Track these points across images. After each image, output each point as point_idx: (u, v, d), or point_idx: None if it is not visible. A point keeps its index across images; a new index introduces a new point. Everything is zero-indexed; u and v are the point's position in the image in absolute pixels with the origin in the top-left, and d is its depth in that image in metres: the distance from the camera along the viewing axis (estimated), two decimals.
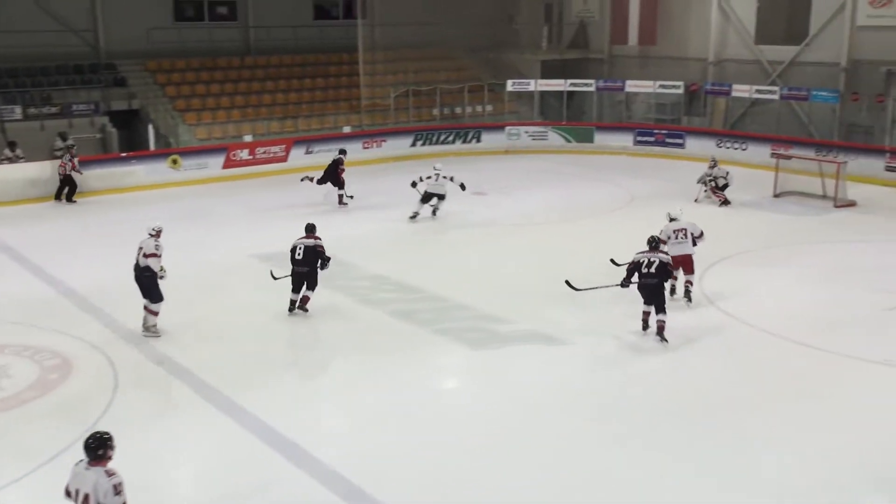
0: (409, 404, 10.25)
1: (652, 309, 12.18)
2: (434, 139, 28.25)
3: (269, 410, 9.97)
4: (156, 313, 12.27)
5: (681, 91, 28.48)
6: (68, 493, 6.38)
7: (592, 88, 29.80)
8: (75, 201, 21.60)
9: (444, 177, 19.18)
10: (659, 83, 28.65)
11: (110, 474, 6.24)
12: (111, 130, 24.75)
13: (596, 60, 32.44)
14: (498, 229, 18.66)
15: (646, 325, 12.35)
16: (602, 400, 10.33)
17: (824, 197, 20.71)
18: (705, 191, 20.76)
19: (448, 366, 11.79)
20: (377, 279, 15.00)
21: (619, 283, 12.38)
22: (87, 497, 6.21)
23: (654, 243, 12.52)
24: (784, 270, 15.41)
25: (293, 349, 12.10)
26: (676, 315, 13.20)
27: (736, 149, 26.13)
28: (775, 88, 26.56)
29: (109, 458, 6.36)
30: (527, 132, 29.05)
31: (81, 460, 6.36)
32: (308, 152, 25.88)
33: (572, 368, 11.24)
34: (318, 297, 13.37)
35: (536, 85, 30.10)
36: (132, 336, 12.29)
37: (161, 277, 12.24)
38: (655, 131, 28.23)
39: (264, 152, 25.28)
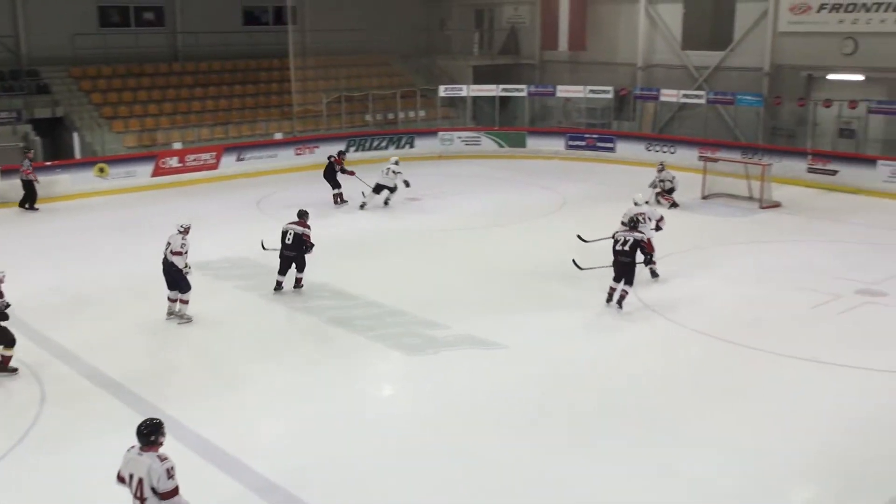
0: (346, 411, 10.21)
1: (620, 284, 13.34)
2: (367, 145, 28.20)
3: (202, 421, 9.83)
4: (187, 302, 13.15)
5: (610, 96, 28.93)
6: (121, 479, 6.66)
7: (524, 93, 30.09)
8: (37, 209, 21.22)
9: (395, 171, 20.77)
10: (589, 88, 29.05)
11: (163, 459, 6.51)
12: (35, 139, 24.15)
13: (527, 66, 32.77)
14: (433, 235, 18.71)
15: (609, 299, 13.50)
16: (536, 404, 10.42)
17: (750, 198, 21.23)
18: (657, 193, 21.07)
19: (385, 372, 11.77)
20: (314, 287, 14.89)
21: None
22: (140, 481, 6.48)
23: (633, 223, 13.79)
24: (712, 271, 15.74)
25: (226, 358, 11.94)
26: (608, 318, 13.42)
27: (665, 152, 26.64)
28: (702, 93, 27.16)
29: (161, 443, 6.62)
30: (460, 137, 29.20)
31: (133, 446, 6.60)
32: (239, 159, 25.64)
33: (507, 372, 11.31)
34: (253, 306, 13.25)
35: (469, 90, 30.28)
36: (59, 350, 12.03)
37: (187, 273, 13.10)
38: (586, 135, 28.61)
39: (194, 160, 24.94)
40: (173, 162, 24.54)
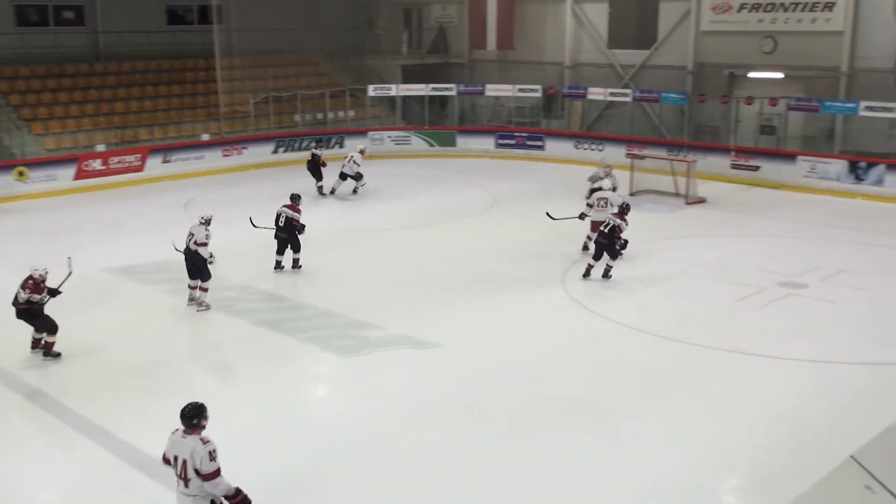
0: (279, 415, 10.11)
1: (598, 262, 14.80)
2: (296, 146, 27.95)
3: (132, 429, 9.63)
4: (206, 290, 13.68)
5: (539, 94, 29.20)
6: (167, 461, 6.91)
7: (453, 93, 30.17)
8: None
9: (356, 162, 22.07)
10: (518, 87, 29.28)
11: (205, 441, 6.74)
12: None
13: (456, 65, 32.87)
14: (364, 235, 18.64)
15: (587, 274, 14.92)
16: (471, 402, 10.45)
17: (676, 194, 21.64)
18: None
19: (317, 375, 11.70)
20: (242, 289, 14.72)
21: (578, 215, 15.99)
22: (184, 463, 6.70)
23: (623, 209, 15.20)
24: (640, 266, 16.00)
25: (153, 366, 11.71)
26: (539, 315, 13.55)
27: (593, 150, 27.00)
28: (628, 91, 27.59)
29: (203, 426, 6.85)
30: (390, 137, 29.15)
31: (178, 429, 6.85)
32: (165, 161, 25.17)
33: (442, 372, 11.33)
34: (181, 310, 13.07)
35: (398, 90, 30.25)
36: None
37: (211, 263, 13.58)
38: (516, 134, 28.83)
39: (118, 162, 24.40)
40: (96, 165, 23.98)
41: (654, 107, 27.59)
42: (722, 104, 25.74)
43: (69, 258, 12.41)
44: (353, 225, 19.49)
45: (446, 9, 33.08)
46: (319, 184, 22.48)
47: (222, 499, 6.86)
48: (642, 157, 22.95)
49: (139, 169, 24.73)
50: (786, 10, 24.78)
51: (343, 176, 22.30)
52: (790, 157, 23.50)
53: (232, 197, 22.71)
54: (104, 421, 9.87)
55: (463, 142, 29.06)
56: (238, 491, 6.89)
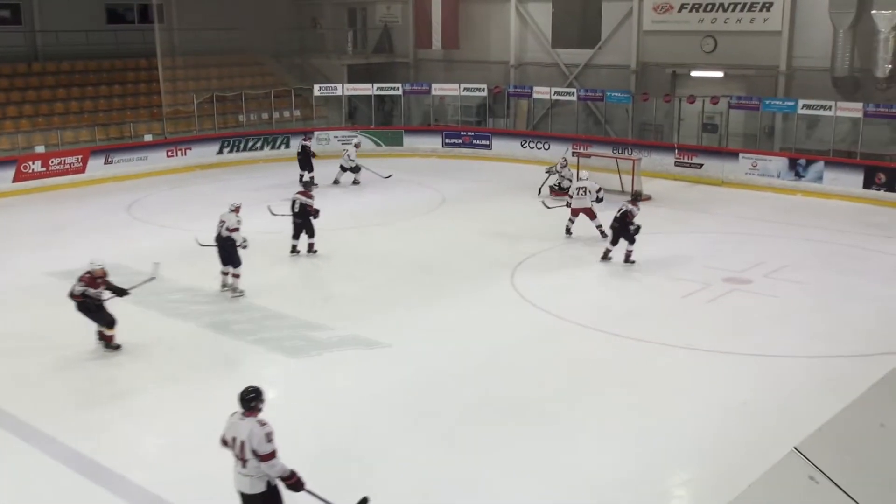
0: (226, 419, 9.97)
1: (615, 247, 15.85)
2: (242, 146, 27.69)
3: (76, 436, 9.46)
4: (238, 276, 14.28)
5: (484, 94, 29.29)
6: (224, 442, 7.21)
7: (399, 92, 30.12)
8: None
9: (350, 157, 23.41)
10: (464, 86, 29.33)
11: (262, 424, 7.02)
12: None
13: (402, 64, 32.83)
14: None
15: (605, 258, 15.98)
16: (420, 403, 10.44)
17: (622, 192, 21.84)
18: (552, 186, 21.58)
19: (267, 377, 11.55)
20: (188, 291, 14.53)
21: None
22: (242, 444, 6.99)
23: (636, 197, 16.54)
24: (587, 263, 16.15)
25: (99, 370, 11.50)
26: (487, 314, 13.59)
27: (539, 148, 27.17)
28: (573, 90, 27.80)
29: (260, 409, 7.15)
30: (336, 137, 28.98)
31: (235, 412, 7.15)
32: (108, 162, 24.73)
33: (392, 372, 11.31)
34: (127, 314, 12.85)
35: (344, 89, 30.11)
36: None
37: (244, 247, 14.24)
38: (462, 133, 28.89)
39: (59, 163, 23.90)
40: (36, 166, 23.46)
41: (598, 105, 27.85)
42: (665, 103, 26.07)
43: (156, 263, 12.62)
44: None
45: (390, 8, 33.01)
46: (311, 174, 23.36)
47: (277, 479, 7.08)
48: (588, 156, 23.17)
49: (80, 170, 24.26)
50: (725, 10, 25.21)
51: (343, 168, 23.56)
52: (732, 154, 23.90)
53: (177, 198, 22.43)
54: (48, 428, 9.66)
55: (410, 141, 29.03)
56: (293, 473, 7.11)
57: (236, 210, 14.41)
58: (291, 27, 33.03)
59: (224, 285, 14.47)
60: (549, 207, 18.65)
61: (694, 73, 26.17)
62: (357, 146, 24.10)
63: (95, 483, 8.57)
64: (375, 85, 29.95)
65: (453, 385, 10.88)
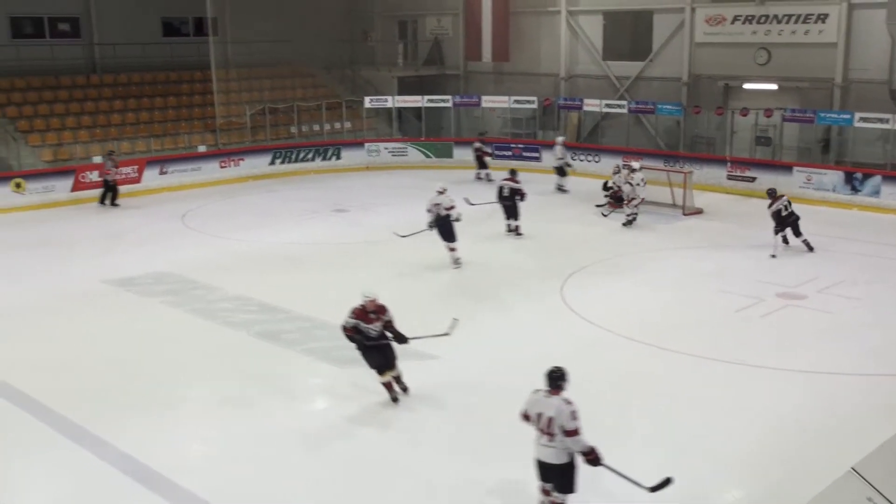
0: (278, 427, 10.07)
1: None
2: (293, 157, 27.98)
3: (130, 441, 9.61)
4: (455, 249, 16.45)
5: (535, 106, 29.24)
6: (526, 417, 7.78)
7: (449, 104, 30.22)
8: (118, 204, 22.73)
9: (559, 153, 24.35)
10: (514, 98, 29.33)
11: (568, 402, 7.54)
12: None
13: (452, 76, 32.92)
14: (361, 246, 18.63)
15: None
16: (472, 414, 10.42)
17: (673, 205, 21.66)
18: (606, 197, 21.48)
19: (316, 386, 11.67)
20: (239, 300, 14.70)
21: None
22: (550, 420, 7.53)
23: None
24: (638, 276, 16.02)
25: (153, 376, 11.68)
26: (537, 323, 13.54)
27: (589, 161, 27.04)
28: (623, 102, 27.64)
29: (564, 388, 7.67)
30: (386, 148, 29.16)
31: (539, 389, 7.71)
32: (162, 172, 25.18)
33: (443, 383, 11.30)
34: (180, 322, 13.07)
35: (394, 101, 30.29)
36: None
37: (458, 220, 16.37)
38: (512, 145, 28.86)
39: (116, 173, 24.34)
40: (93, 176, 23.96)
41: (649, 118, 27.65)
42: (717, 115, 25.81)
43: (455, 320, 11.07)
44: (349, 237, 19.46)
45: (441, 21, 33.15)
46: (486, 171, 25.22)
47: (578, 453, 7.60)
48: (636, 170, 22.94)
49: (136, 180, 24.72)
50: (779, 21, 24.88)
51: (560, 171, 24.30)
52: (786, 167, 23.55)
53: (230, 208, 22.75)
54: (100, 431, 9.84)
55: (460, 153, 29.06)
56: (592, 449, 7.58)
57: (444, 191, 16.60)
58: (343, 40, 33.33)
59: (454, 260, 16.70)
60: (605, 216, 20.04)
61: (747, 86, 25.86)
62: (564, 145, 24.86)
63: (146, 487, 8.69)
64: (426, 97, 30.08)
65: (500, 396, 10.80)
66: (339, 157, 28.55)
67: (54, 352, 12.51)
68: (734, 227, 20.21)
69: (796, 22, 24.57)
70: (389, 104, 30.29)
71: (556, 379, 7.72)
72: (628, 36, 29.13)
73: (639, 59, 28.33)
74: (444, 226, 16.49)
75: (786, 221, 17.29)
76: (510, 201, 18.73)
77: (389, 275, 16.44)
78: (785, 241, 17.63)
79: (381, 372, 10.49)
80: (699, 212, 21.34)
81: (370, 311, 10.26)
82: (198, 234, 19.96)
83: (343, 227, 20.52)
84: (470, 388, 11.10)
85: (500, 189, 18.79)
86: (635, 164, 20.68)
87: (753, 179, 23.82)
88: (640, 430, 9.88)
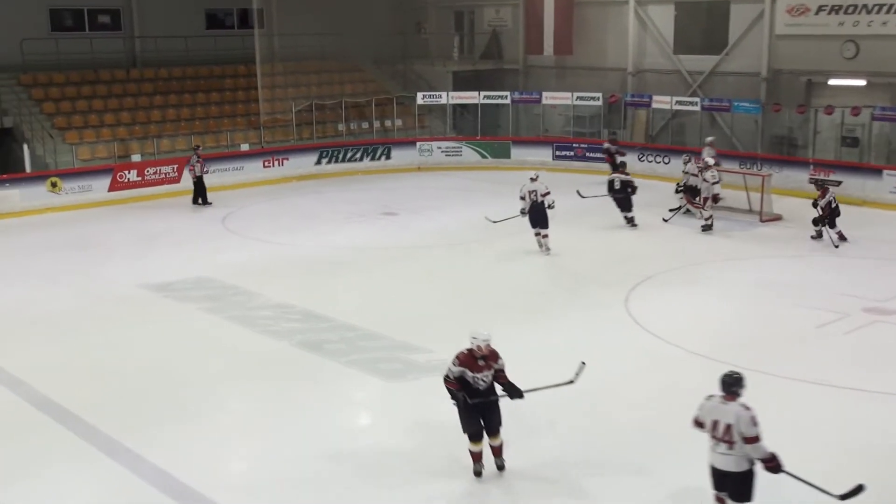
0: (320, 443, 10.10)
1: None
2: (340, 156, 28.17)
3: (163, 454, 9.71)
4: (547, 236, 17.86)
5: (600, 103, 29.05)
6: (699, 424, 7.97)
7: (507, 101, 30.17)
8: (210, 203, 23.17)
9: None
10: (577, 95, 29.18)
11: (747, 408, 7.68)
12: None
13: (511, 71, 32.88)
14: (410, 252, 18.66)
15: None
16: (526, 433, 10.34)
17: (749, 211, 21.32)
18: (680, 197, 21.43)
19: (361, 400, 11.68)
20: (281, 308, 14.81)
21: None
22: (728, 427, 7.69)
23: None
24: (709, 288, 15.78)
25: (189, 386, 11.81)
26: (599, 338, 13.39)
27: (658, 162, 26.77)
28: (696, 99, 27.32)
29: (740, 395, 7.80)
30: (439, 148, 29.21)
31: (713, 395, 7.88)
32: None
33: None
34: (218, 329, 13.18)
35: (448, 97, 30.34)
36: (5, 376, 11.88)
37: (552, 208, 17.89)
38: (575, 145, 28.70)
39: (154, 173, 24.81)
40: (132, 176, 24.40)
41: (724, 116, 27.29)
42: (799, 114, 25.37)
43: (582, 364, 9.70)
44: (398, 242, 19.51)
45: (500, 12, 33.13)
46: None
47: (758, 461, 7.72)
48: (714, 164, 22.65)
49: (176, 180, 25.10)
50: (869, 12, 24.36)
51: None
52: (875, 171, 23.02)
53: (273, 210, 22.96)
54: (133, 443, 9.96)
55: (518, 153, 29.00)
56: (773, 456, 7.70)
57: (537, 178, 17.98)
58: (394, 32, 33.49)
59: (541, 245, 17.93)
60: (583, 197, 20.48)
61: (832, 82, 25.36)
62: (711, 145, 23.15)
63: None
64: (482, 93, 30.06)
65: (557, 415, 10.73)
66: (388, 157, 28.67)
67: (87, 359, 12.72)
68: None
69: (888, 12, 24.01)
70: (443, 100, 30.34)
71: (732, 384, 7.82)
72: (702, 27, 28.80)
73: (713, 52, 27.98)
74: (538, 212, 17.81)
75: (834, 214, 18.64)
76: (622, 193, 20.07)
77: (441, 281, 16.45)
78: (819, 235, 18.80)
79: (476, 439, 9.04)
80: (778, 218, 20.97)
81: (479, 357, 8.88)
82: (239, 237, 20.18)
83: (392, 231, 20.58)
84: (523, 406, 10.98)
85: (611, 182, 20.21)
86: (710, 159, 20.53)
87: (839, 183, 23.27)
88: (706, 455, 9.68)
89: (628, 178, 20.17)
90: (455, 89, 31.19)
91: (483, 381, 8.85)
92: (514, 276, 16.75)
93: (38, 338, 13.64)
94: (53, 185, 23.17)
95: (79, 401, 11.16)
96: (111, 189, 24.06)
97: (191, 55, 29.64)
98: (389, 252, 18.66)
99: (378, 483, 9.22)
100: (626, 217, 20.31)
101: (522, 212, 18.02)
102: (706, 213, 19.80)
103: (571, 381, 9.42)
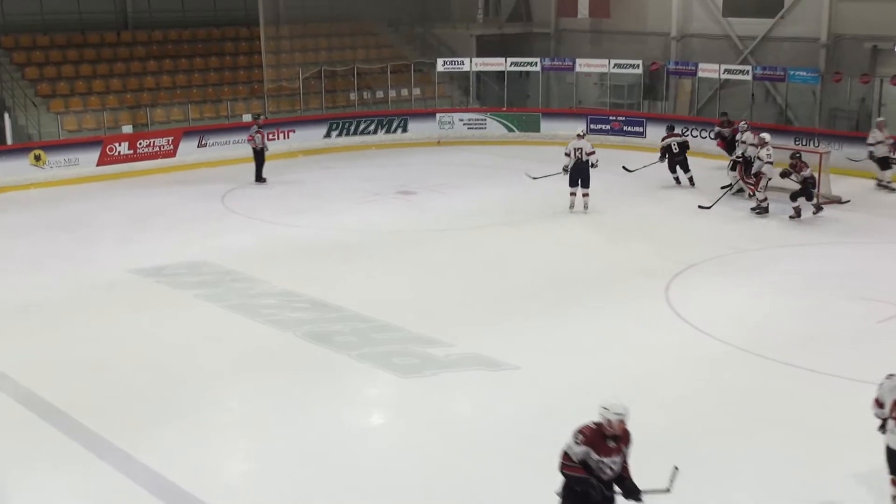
0: (327, 444, 10.16)
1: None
2: (352, 129, 28.21)
3: (156, 455, 9.79)
4: (587, 195, 19.79)
5: (639, 71, 28.91)
6: (880, 405, 8.61)
7: (537, 68, 30.08)
8: (264, 179, 23.50)
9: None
10: (614, 62, 29.04)
11: None
12: None
13: (541, 35, 32.79)
14: (428, 235, 18.70)
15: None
16: (554, 434, 10.35)
17: None
18: (734, 176, 21.26)
19: (373, 397, 11.75)
20: (286, 296, 14.88)
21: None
22: None
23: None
24: (759, 278, 15.73)
25: (184, 381, 11.89)
26: (635, 333, 13.40)
27: (704, 138, 26.63)
28: (747, 68, 27.17)
29: None
30: (461, 120, 29.20)
31: (893, 374, 8.56)
32: (201, 145, 25.63)
33: (520, 397, 11.27)
34: (217, 319, 13.26)
35: (472, 64, 30.28)
36: None
37: (595, 166, 19.62)
38: (611, 118, 28.62)
39: (147, 146, 24.92)
40: (123, 148, 24.52)
41: (779, 87, 27.14)
42: (862, 84, 25.18)
43: (675, 469, 8.24)
44: (415, 224, 19.56)
45: None
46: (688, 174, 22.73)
47: None
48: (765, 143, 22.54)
49: (171, 154, 25.22)
50: None
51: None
52: None
53: (278, 188, 23.03)
54: (124, 443, 10.05)
55: (548, 126, 28.94)
56: None
57: (583, 135, 19.95)
58: None
59: (572, 206, 19.83)
60: (630, 171, 22.23)
61: None
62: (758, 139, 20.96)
63: None
64: (509, 59, 29.98)
65: (593, 415, 10.74)
66: (405, 130, 28.67)
67: (74, 351, 12.81)
68: (879, 219, 19.71)
69: None
70: (466, 67, 30.30)
71: None
72: None
73: (767, 15, 27.82)
74: (581, 171, 19.58)
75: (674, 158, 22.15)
76: (682, 155, 22.28)
77: (463, 268, 16.47)
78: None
79: None
80: (837, 200, 20.85)
81: (610, 437, 7.48)
82: (240, 217, 20.27)
83: (408, 211, 20.62)
84: (552, 406, 11.03)
85: (669, 147, 22.37)
86: (766, 136, 20.40)
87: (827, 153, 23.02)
88: (751, 461, 9.71)
89: (684, 138, 23.00)
90: (479, 55, 31.13)
91: (611, 468, 7.47)
92: (544, 262, 16.74)
93: (21, 328, 13.75)
94: (37, 158, 23.32)
95: (65, 396, 11.25)
96: (100, 163, 24.19)
97: (188, 16, 29.71)
98: (405, 235, 18.70)
99: (391, 486, 9.28)
100: (689, 178, 22.33)
101: (565, 169, 19.80)
102: (761, 196, 19.70)
103: (668, 490, 7.88)
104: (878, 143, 22.00)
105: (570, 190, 19.77)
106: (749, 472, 9.54)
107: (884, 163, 22.10)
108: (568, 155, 19.64)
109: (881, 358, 12.34)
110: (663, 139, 23.09)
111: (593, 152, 19.57)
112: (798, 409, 11.03)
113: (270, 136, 26.66)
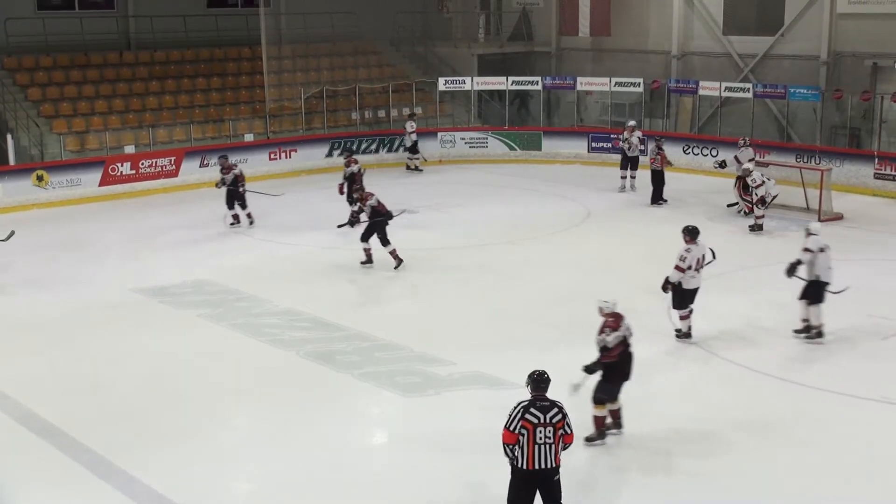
0: (330, 463, 10.15)
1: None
2: (354, 148, 28.10)
3: (160, 476, 9.78)
4: (634, 177, 23.60)
5: (641, 89, 28.98)
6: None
7: (538, 87, 30.14)
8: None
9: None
10: (616, 80, 29.10)
11: None
12: None
13: (542, 54, 32.87)
14: (431, 253, 18.67)
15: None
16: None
17: (807, 209, 21.20)
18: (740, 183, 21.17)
19: (376, 416, 11.72)
20: (289, 315, 14.87)
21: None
22: None
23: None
24: (762, 295, 15.70)
25: (188, 401, 11.89)
26: (640, 352, 13.35)
27: (706, 155, 26.67)
28: (748, 85, 27.21)
29: None
30: (463, 139, 29.23)
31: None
32: (203, 165, 25.62)
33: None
34: (219, 339, 13.24)
35: (473, 83, 30.33)
36: None
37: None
38: (613, 136, 28.62)
39: (150, 166, 24.95)
40: (125, 169, 24.54)
41: (779, 104, 27.16)
42: (863, 101, 25.21)
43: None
44: (417, 243, 19.50)
45: None
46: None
47: None
48: (765, 165, 22.53)
49: (173, 174, 25.25)
50: None
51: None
52: None
53: (279, 207, 22.98)
54: (126, 464, 10.03)
55: (550, 145, 28.97)
56: None
57: (634, 128, 23.26)
58: (414, 11, 33.53)
59: (625, 188, 23.50)
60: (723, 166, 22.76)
61: None
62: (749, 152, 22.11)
63: None
64: (511, 78, 30.04)
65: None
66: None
67: (76, 370, 12.82)
68: (882, 236, 19.72)
69: None
70: (468, 86, 30.34)
71: None
72: (755, 6, 28.73)
73: (767, 33, 27.89)
74: (631, 162, 23.41)
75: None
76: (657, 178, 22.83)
77: (466, 287, 16.45)
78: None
79: (611, 401, 10.70)
80: (839, 217, 20.84)
81: (610, 315, 11.04)
82: (242, 236, 20.27)
83: (410, 230, 20.53)
84: None
85: (723, 163, 22.83)
86: (749, 165, 20.43)
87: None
88: (763, 479, 9.67)
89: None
90: (480, 74, 31.22)
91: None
92: (547, 280, 16.71)
93: (23, 347, 13.74)
94: (39, 178, 23.34)
95: (67, 416, 11.25)
96: (102, 183, 24.21)
97: (190, 36, 29.74)
98: (408, 254, 18.62)
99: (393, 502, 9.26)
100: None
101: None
102: (758, 212, 19.71)
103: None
104: None
105: (620, 174, 23.82)
106: (760, 486, 9.49)
107: None
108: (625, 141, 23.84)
109: (883, 375, 12.39)
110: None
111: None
112: (798, 425, 11.01)
113: (272, 156, 26.82)
